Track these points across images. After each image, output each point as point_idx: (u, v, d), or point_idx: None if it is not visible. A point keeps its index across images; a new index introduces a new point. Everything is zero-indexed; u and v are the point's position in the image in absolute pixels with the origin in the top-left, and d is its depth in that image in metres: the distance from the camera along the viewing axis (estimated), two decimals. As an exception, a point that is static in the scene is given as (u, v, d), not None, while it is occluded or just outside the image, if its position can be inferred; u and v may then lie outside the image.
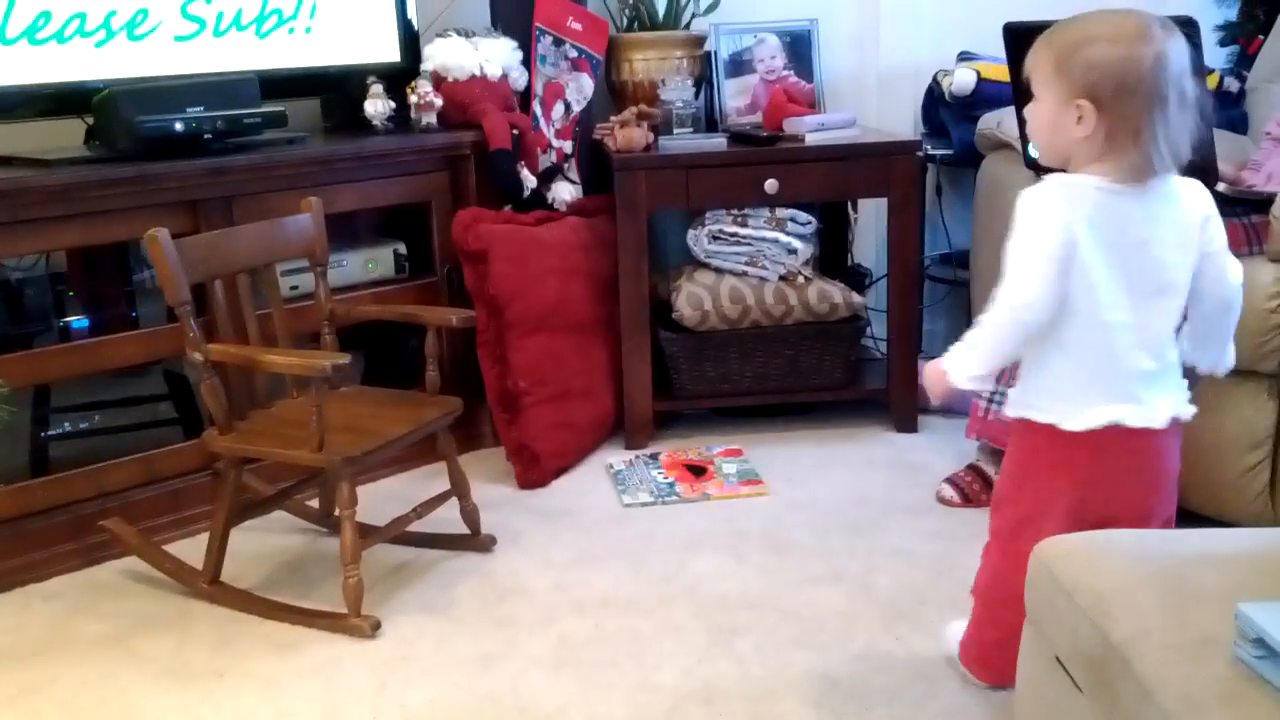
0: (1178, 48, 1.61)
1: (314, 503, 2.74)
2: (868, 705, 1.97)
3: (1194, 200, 1.70)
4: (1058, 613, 1.32)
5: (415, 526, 2.51)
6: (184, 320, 2.24)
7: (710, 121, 3.44)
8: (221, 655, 2.21)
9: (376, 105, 3.00)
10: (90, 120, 2.64)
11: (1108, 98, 1.59)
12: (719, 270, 3.20)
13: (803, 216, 3.21)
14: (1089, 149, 1.65)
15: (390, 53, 3.11)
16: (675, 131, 3.20)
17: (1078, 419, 1.71)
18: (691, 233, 3.23)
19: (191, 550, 2.52)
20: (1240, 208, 2.41)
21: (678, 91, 3.22)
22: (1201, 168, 2.38)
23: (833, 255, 3.48)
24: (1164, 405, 1.73)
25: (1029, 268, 1.66)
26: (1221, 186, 2.44)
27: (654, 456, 3.08)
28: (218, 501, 2.39)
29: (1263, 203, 2.35)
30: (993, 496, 1.94)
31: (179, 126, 2.57)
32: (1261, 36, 3.24)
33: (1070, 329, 1.69)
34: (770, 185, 3.04)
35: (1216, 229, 1.72)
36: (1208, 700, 1.07)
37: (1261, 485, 2.32)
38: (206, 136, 2.63)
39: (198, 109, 2.61)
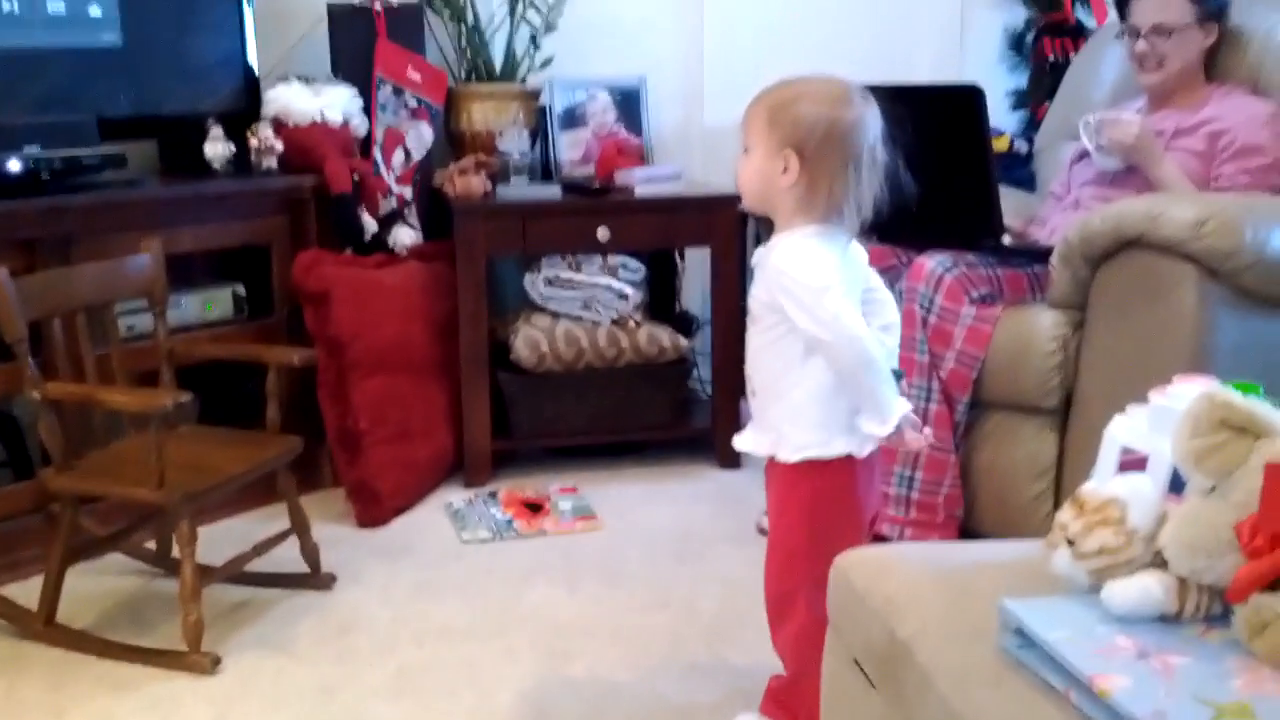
0: (874, 115, 1.78)
1: (151, 545, 2.73)
2: (691, 719, 2.10)
3: (862, 258, 1.89)
4: (853, 617, 1.47)
5: (255, 565, 2.53)
6: (21, 358, 2.24)
7: (545, 171, 3.58)
8: (58, 695, 2.20)
9: (216, 148, 3.02)
10: (-79, 158, 2.61)
11: (811, 151, 1.74)
12: (555, 314, 3.33)
13: (633, 264, 3.37)
14: (792, 198, 1.79)
15: (231, 96, 3.15)
16: (512, 180, 3.32)
17: (865, 445, 1.83)
18: (528, 277, 3.35)
19: (23, 594, 2.49)
20: (1024, 259, 2.66)
21: (514, 142, 3.34)
22: (989, 221, 2.64)
23: (662, 301, 3.62)
24: None
25: (840, 304, 1.75)
26: (1006, 239, 2.69)
27: (493, 494, 3.17)
28: (52, 542, 2.38)
29: (1043, 254, 2.59)
30: (779, 555, 1.92)
31: (15, 166, 2.57)
32: (1049, 102, 3.49)
33: None
34: (602, 233, 3.18)
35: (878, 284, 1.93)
36: (976, 683, 1.23)
37: (1046, 510, 2.53)
38: (44, 177, 2.63)
39: (34, 148, 2.61)
